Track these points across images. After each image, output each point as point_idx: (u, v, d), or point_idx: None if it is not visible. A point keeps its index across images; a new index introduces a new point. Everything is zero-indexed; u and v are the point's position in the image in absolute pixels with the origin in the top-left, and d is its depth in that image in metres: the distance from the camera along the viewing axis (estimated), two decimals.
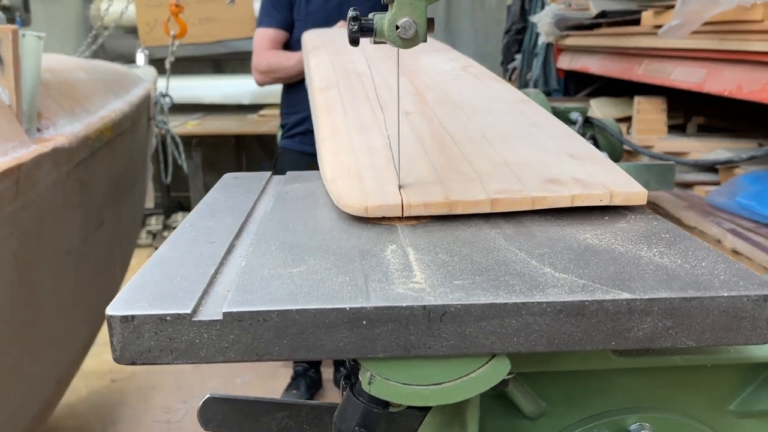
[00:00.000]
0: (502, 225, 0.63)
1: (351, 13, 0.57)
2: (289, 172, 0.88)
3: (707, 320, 0.47)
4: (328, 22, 2.30)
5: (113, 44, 4.82)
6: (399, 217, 0.62)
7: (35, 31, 1.72)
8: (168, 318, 0.45)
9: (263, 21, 2.40)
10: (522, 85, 3.99)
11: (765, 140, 2.45)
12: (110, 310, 0.45)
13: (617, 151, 1.83)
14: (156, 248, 4.18)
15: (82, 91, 2.18)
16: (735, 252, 1.81)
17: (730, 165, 2.19)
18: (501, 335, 0.46)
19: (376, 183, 0.64)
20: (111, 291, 2.54)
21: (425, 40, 0.58)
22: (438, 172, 0.67)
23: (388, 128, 0.80)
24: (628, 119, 2.90)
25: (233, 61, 5.07)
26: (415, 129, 0.81)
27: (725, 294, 0.46)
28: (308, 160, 2.37)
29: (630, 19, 2.70)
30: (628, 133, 2.81)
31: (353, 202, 0.61)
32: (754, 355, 0.60)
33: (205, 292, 0.49)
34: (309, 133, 2.28)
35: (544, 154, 0.72)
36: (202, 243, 0.60)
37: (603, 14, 2.93)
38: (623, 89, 3.03)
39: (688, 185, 2.28)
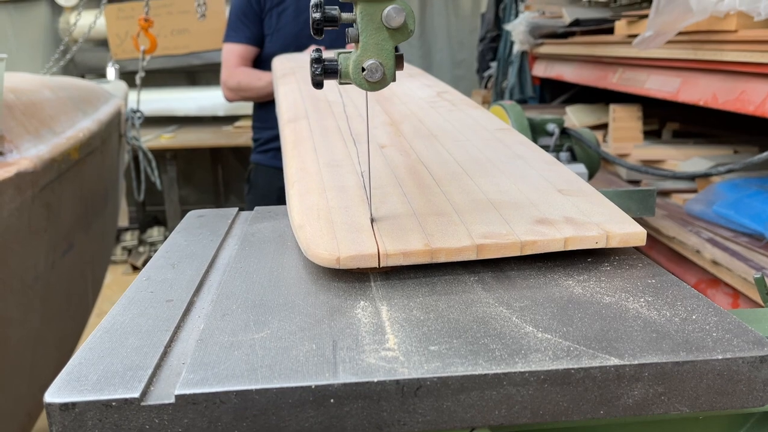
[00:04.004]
0: (480, 270, 0.59)
1: (313, 54, 0.53)
2: (257, 208, 0.84)
3: (701, 384, 0.44)
4: (299, 36, 2.26)
5: (83, 57, 4.73)
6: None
7: None
8: (114, 404, 0.40)
9: (231, 36, 2.36)
10: (498, 92, 3.98)
11: (740, 146, 2.46)
12: (49, 397, 0.40)
13: (595, 162, 1.82)
14: (131, 265, 4.07)
15: (48, 111, 2.11)
16: (714, 263, 1.81)
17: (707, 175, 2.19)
18: (481, 408, 0.43)
19: (348, 228, 0.60)
20: (83, 315, 2.47)
21: (394, 80, 0.54)
22: (417, 214, 0.63)
23: (362, 164, 0.76)
24: (604, 126, 2.90)
25: (207, 73, 5.00)
26: (390, 164, 0.77)
27: (719, 357, 0.43)
28: (281, 175, 2.32)
29: (604, 28, 2.70)
30: (604, 140, 2.81)
31: (323, 252, 0.56)
32: None
33: (158, 368, 0.45)
34: None
35: (530, 190, 0.68)
36: (159, 302, 0.55)
37: (577, 23, 2.94)
38: (599, 95, 3.04)
39: (666, 193, 2.28)
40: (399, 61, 0.56)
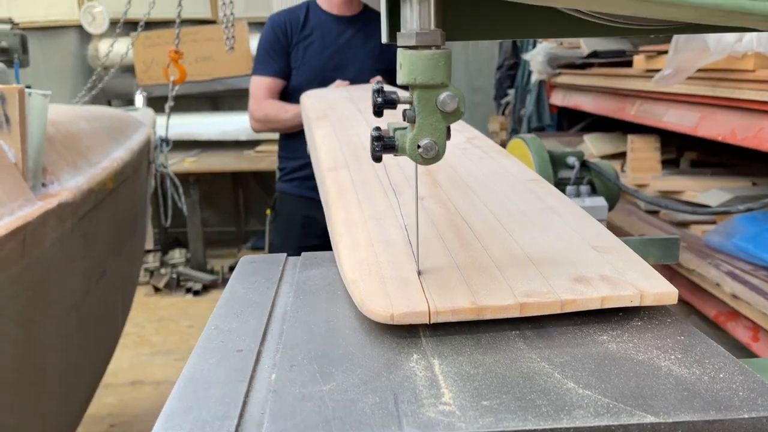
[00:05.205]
0: (520, 325, 0.65)
1: (374, 133, 0.59)
2: (304, 254, 0.90)
3: None
4: (324, 69, 2.35)
5: (110, 83, 4.86)
6: None
7: (41, 90, 1.74)
8: None
9: (259, 69, 2.44)
10: (515, 119, 4.05)
11: (758, 178, 2.49)
12: None
13: (614, 194, 1.87)
14: (153, 286, 4.12)
15: (85, 142, 2.19)
16: (734, 296, 1.84)
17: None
18: None
19: (398, 285, 0.66)
20: (113, 339, 2.54)
21: (444, 152, 0.60)
22: (460, 268, 0.69)
23: (404, 216, 0.82)
24: (622, 155, 2.94)
25: (230, 98, 5.12)
26: (431, 217, 0.82)
27: (746, 416, 0.48)
28: (306, 203, 2.40)
29: (622, 60, 2.76)
30: (622, 170, 2.85)
31: (378, 309, 0.62)
32: None
33: (241, 417, 0.51)
34: (308, 179, 2.31)
35: (566, 246, 0.73)
36: (230, 352, 0.61)
37: (595, 54, 3.00)
38: (617, 123, 3.08)
39: (684, 224, 2.31)
40: (447, 133, 0.62)
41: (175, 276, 4.48)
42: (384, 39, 0.60)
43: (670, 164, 2.93)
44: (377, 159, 0.60)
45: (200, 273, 4.52)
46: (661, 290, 0.64)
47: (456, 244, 0.76)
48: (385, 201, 0.88)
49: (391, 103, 0.57)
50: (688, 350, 0.59)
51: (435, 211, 0.85)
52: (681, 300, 2.20)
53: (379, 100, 0.57)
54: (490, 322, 0.64)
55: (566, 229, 0.78)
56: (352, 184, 0.94)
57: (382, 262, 0.71)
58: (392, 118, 1.30)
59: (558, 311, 0.63)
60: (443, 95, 0.55)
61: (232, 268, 4.83)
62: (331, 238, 0.85)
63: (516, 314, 0.62)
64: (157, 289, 4.42)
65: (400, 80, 0.57)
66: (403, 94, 0.60)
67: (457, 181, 0.95)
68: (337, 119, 1.35)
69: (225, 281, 4.59)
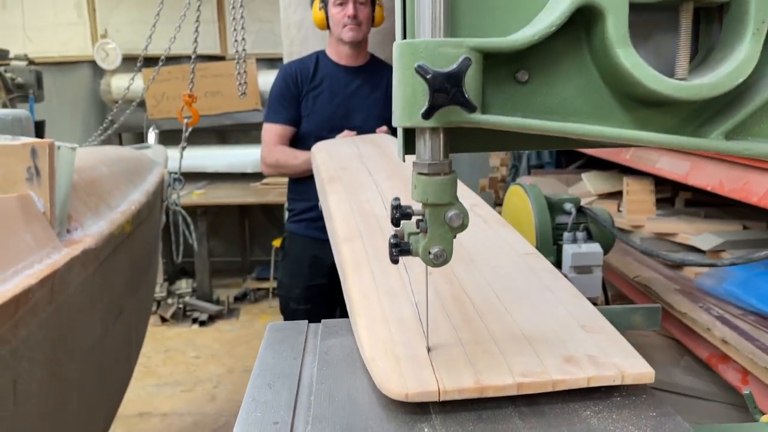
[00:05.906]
0: (515, 399, 0.75)
1: (392, 240, 0.70)
2: (324, 321, 1.00)
3: None
4: (332, 117, 2.47)
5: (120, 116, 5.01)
6: None
7: (69, 143, 1.84)
8: None
9: (270, 117, 2.55)
10: (515, 156, 4.17)
11: (749, 221, 2.59)
12: None
13: (609, 240, 1.96)
14: (161, 316, 4.19)
15: (105, 186, 2.29)
16: (724, 341, 1.93)
17: (717, 250, 2.34)
18: None
19: (411, 364, 0.76)
20: (127, 374, 2.63)
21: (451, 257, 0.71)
22: (465, 348, 0.79)
23: (414, 293, 0.93)
24: (619, 193, 3.05)
25: (237, 132, 5.25)
26: (437, 291, 0.93)
27: None
28: (314, 244, 2.51)
29: None
30: (618, 210, 2.96)
31: (394, 389, 0.72)
32: None
33: None
34: (316, 220, 2.42)
35: (558, 326, 0.83)
36: (268, 424, 0.71)
37: None
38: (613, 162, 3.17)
39: (678, 266, 2.41)
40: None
41: (181, 306, 4.56)
42: (399, 157, 0.71)
43: (665, 202, 3.03)
44: (395, 262, 0.70)
45: (206, 303, 4.60)
46: (640, 371, 0.74)
47: (460, 320, 0.86)
48: (397, 276, 0.98)
49: (407, 216, 0.68)
50: (658, 427, 0.69)
51: (441, 285, 0.95)
52: (675, 340, 2.29)
53: (397, 214, 0.68)
54: (490, 398, 0.75)
55: (559, 308, 0.89)
56: (366, 256, 1.04)
57: (396, 341, 0.81)
58: (399, 181, 1.40)
59: (549, 389, 0.73)
60: (451, 213, 0.66)
61: (237, 298, 4.93)
62: (348, 310, 0.95)
63: (513, 393, 0.72)
64: (164, 320, 4.50)
65: (414, 198, 0.68)
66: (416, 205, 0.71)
67: (462, 253, 1.05)
68: (348, 182, 1.46)
69: (230, 311, 4.68)
